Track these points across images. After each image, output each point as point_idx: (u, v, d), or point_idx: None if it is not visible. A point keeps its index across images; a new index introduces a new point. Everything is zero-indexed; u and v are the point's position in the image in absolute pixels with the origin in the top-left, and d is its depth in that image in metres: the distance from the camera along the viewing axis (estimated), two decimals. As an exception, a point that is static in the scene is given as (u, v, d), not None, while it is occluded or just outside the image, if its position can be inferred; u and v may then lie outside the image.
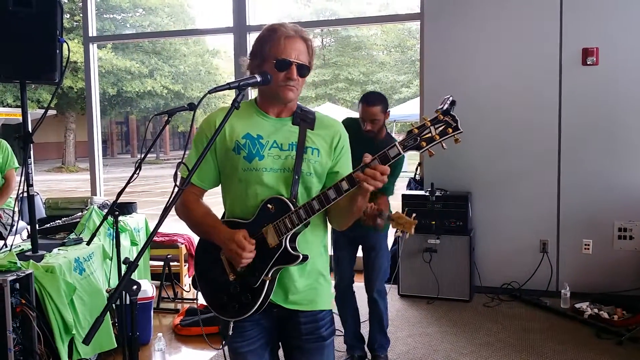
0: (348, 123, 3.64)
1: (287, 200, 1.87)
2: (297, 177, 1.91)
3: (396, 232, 2.60)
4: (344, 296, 3.77)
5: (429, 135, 1.74)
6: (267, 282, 1.88)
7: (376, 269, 3.72)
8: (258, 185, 1.91)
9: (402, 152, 1.74)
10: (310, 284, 1.99)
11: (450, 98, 1.80)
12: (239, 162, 1.91)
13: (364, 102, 3.56)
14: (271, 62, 1.89)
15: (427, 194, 5.04)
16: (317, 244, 2.02)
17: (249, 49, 6.75)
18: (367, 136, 3.53)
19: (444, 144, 1.76)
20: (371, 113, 3.50)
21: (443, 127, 1.74)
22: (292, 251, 1.87)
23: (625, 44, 4.87)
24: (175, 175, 1.77)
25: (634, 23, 4.84)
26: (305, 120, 1.99)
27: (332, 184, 1.82)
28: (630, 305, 4.54)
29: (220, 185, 2.05)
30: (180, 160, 1.80)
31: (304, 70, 1.93)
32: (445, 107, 1.76)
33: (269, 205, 1.88)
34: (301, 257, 1.87)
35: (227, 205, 2.02)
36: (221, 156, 1.95)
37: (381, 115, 3.54)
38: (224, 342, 2.03)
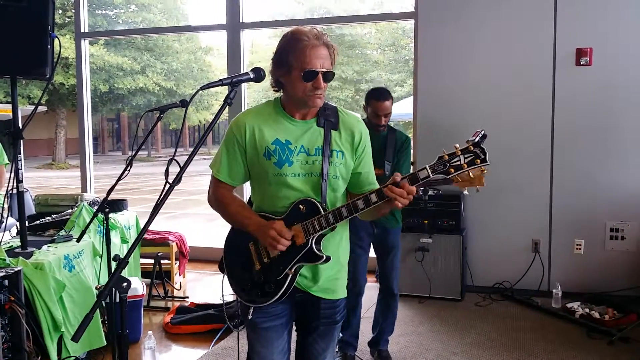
0: None
1: (318, 204, 2.01)
2: (325, 181, 2.04)
3: (463, 191, 2.71)
4: (356, 302, 3.76)
5: (458, 163, 1.91)
6: (290, 275, 2.04)
7: (395, 268, 3.81)
8: (288, 189, 2.04)
9: (431, 175, 1.90)
10: (334, 275, 2.17)
11: (483, 132, 2.04)
12: (270, 167, 2.03)
13: (377, 98, 3.64)
14: (298, 72, 1.97)
15: (420, 193, 5.02)
16: (342, 237, 2.19)
17: (242, 46, 6.69)
18: (375, 135, 3.54)
19: (471, 173, 1.94)
20: (385, 107, 3.62)
21: (472, 157, 1.92)
22: (317, 251, 2.02)
23: (618, 44, 4.88)
24: (167, 172, 1.76)
25: (627, 23, 4.86)
26: (329, 120, 2.09)
27: (362, 195, 1.96)
28: (621, 305, 4.55)
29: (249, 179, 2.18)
30: (171, 157, 1.78)
31: (329, 76, 2.01)
32: (477, 140, 1.94)
33: (300, 206, 2.02)
34: (324, 257, 2.02)
35: (257, 199, 2.15)
36: (251, 159, 2.07)
37: (392, 108, 3.68)
38: (241, 324, 2.19)
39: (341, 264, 2.20)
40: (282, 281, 2.04)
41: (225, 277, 2.20)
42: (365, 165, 2.16)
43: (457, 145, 1.92)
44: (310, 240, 2.00)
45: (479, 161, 1.92)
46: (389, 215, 3.67)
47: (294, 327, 2.28)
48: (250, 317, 2.10)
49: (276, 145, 2.03)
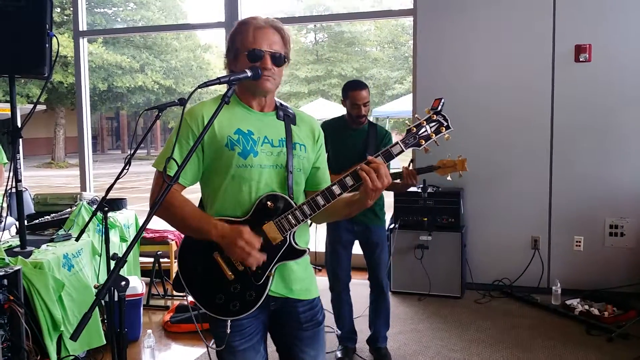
0: (330, 123, 3.79)
1: (287, 197, 1.90)
2: (290, 173, 1.92)
3: (447, 177, 3.04)
4: (342, 296, 3.82)
5: (426, 133, 1.93)
6: (271, 277, 1.90)
7: (382, 264, 3.83)
8: (253, 182, 1.89)
9: (404, 149, 1.90)
10: (306, 273, 2.03)
11: (442, 100, 2.03)
12: (233, 158, 1.87)
13: (354, 88, 3.67)
14: (244, 55, 1.89)
15: (419, 190, 5.03)
16: (307, 234, 2.06)
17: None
18: (352, 130, 3.70)
19: (437, 141, 1.95)
20: (363, 96, 3.63)
21: (437, 125, 1.95)
22: (297, 247, 1.91)
23: (617, 40, 4.88)
24: (165, 170, 1.75)
25: (626, 20, 4.85)
26: (287, 115, 2.00)
27: (336, 180, 1.87)
28: (620, 302, 4.56)
29: (199, 182, 1.98)
30: (169, 156, 1.77)
31: (279, 60, 1.91)
32: (439, 108, 1.98)
33: (268, 203, 1.88)
34: (307, 251, 1.93)
35: (214, 203, 1.93)
36: (210, 153, 1.89)
37: (369, 98, 3.69)
38: (214, 344, 2.00)
39: (308, 261, 2.06)
40: (263, 285, 1.89)
41: (189, 295, 1.93)
42: (323, 162, 2.10)
43: (418, 117, 1.95)
44: (288, 236, 1.88)
45: (443, 129, 1.96)
46: (369, 213, 3.67)
47: (272, 344, 2.12)
48: (228, 331, 1.90)
49: (239, 135, 1.89)
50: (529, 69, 5.09)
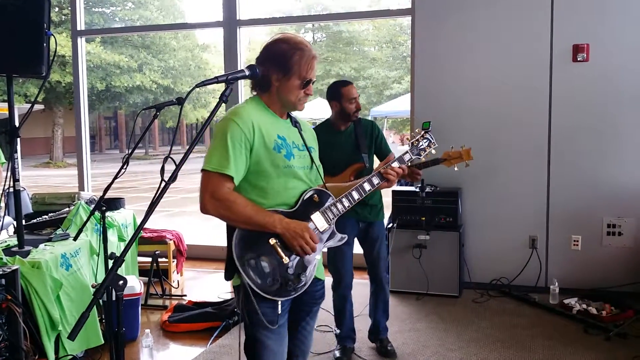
0: (320, 127, 3.85)
1: (328, 192, 2.23)
2: (317, 172, 2.29)
3: (455, 168, 3.30)
4: (346, 295, 3.84)
5: (423, 147, 2.55)
6: (316, 261, 2.20)
7: (382, 258, 3.88)
8: (296, 180, 2.17)
9: (412, 157, 2.51)
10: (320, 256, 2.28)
11: (430, 122, 2.79)
12: (281, 160, 2.11)
13: (344, 85, 3.77)
14: (297, 79, 2.13)
15: (417, 189, 5.03)
16: None
17: (239, 43, 6.67)
18: (340, 132, 3.77)
19: (428, 155, 2.60)
20: (354, 91, 3.73)
21: (428, 142, 2.57)
22: (338, 234, 2.25)
23: (615, 40, 4.88)
24: (162, 170, 1.76)
25: (624, 19, 4.86)
26: (297, 122, 2.27)
27: (365, 178, 2.31)
28: (618, 301, 4.56)
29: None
30: (167, 155, 1.77)
31: None
32: (429, 128, 2.65)
33: (314, 196, 2.19)
34: (346, 237, 2.27)
35: (266, 198, 2.12)
36: (260, 154, 2.07)
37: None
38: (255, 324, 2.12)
39: None
40: (313, 267, 2.18)
41: (247, 280, 2.04)
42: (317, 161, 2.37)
43: (417, 131, 2.60)
44: (332, 225, 2.20)
45: (432, 144, 2.57)
46: (372, 209, 3.78)
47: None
48: (279, 312, 2.10)
49: (281, 140, 2.13)
50: (526, 68, 5.09)
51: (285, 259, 2.08)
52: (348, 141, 3.74)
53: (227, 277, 2.12)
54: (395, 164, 2.39)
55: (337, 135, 3.75)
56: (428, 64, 5.35)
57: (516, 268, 5.19)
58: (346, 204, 2.23)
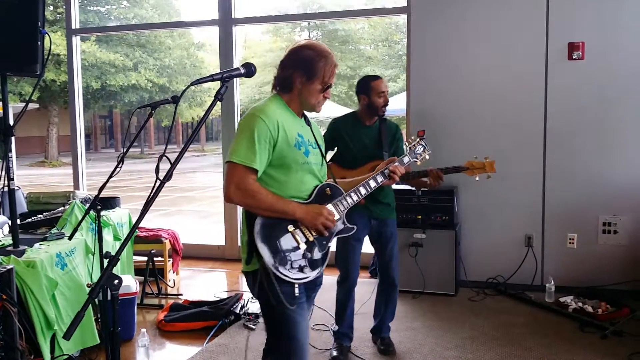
0: (344, 120, 3.90)
1: (339, 187, 2.45)
2: (328, 168, 2.53)
3: (476, 178, 3.50)
4: (351, 292, 3.85)
5: (419, 151, 2.94)
6: (330, 247, 2.40)
7: (394, 257, 3.89)
8: (311, 175, 2.37)
9: (411, 160, 2.90)
10: None
11: (425, 130, 3.14)
12: (300, 156, 2.31)
13: (375, 79, 3.82)
14: (319, 83, 2.33)
15: (413, 188, 5.03)
16: None
17: (235, 41, 6.64)
18: (366, 127, 3.80)
19: (424, 159, 2.99)
20: (385, 85, 3.78)
21: (423, 147, 2.97)
22: (348, 224, 2.47)
23: (611, 38, 4.89)
24: (157, 168, 1.75)
25: (619, 18, 4.86)
26: (308, 121, 2.48)
27: (369, 176, 2.55)
28: (614, 299, 4.58)
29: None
30: (161, 153, 1.76)
31: None
32: (424, 136, 3.02)
33: (327, 189, 2.39)
34: (355, 227, 2.48)
35: (286, 189, 2.31)
36: (283, 150, 2.26)
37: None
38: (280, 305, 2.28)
39: None
40: (326, 253, 2.37)
41: (272, 268, 2.22)
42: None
43: (413, 139, 2.96)
44: (342, 216, 2.42)
45: (426, 150, 2.96)
46: (386, 207, 3.79)
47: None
48: (297, 293, 2.26)
49: (300, 138, 2.33)
50: (522, 66, 5.10)
51: (302, 245, 2.29)
52: (372, 137, 3.78)
53: (248, 262, 2.30)
54: (397, 165, 2.64)
55: (363, 129, 3.79)
56: (423, 63, 5.35)
57: (512, 266, 5.19)
58: (355, 198, 2.46)
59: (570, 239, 5.08)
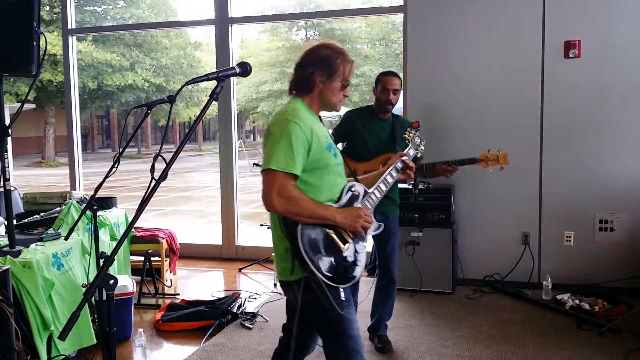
0: (359, 111, 3.98)
1: (363, 185, 2.45)
2: (348, 167, 2.55)
3: (490, 169, 3.55)
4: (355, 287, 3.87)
5: (417, 142, 2.94)
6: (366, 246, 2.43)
7: (395, 252, 3.92)
8: (339, 177, 2.39)
9: (415, 152, 2.89)
10: None
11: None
12: (331, 158, 2.33)
13: (386, 74, 3.86)
14: (339, 81, 2.35)
15: (410, 187, 5.02)
16: None
17: (231, 41, 6.64)
18: (381, 120, 3.87)
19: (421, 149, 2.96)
20: (394, 83, 3.80)
21: (420, 138, 2.96)
22: (377, 222, 2.45)
23: (607, 36, 4.90)
24: (152, 168, 1.75)
25: (615, 16, 4.87)
26: (322, 120, 2.47)
27: (387, 171, 2.55)
28: (611, 297, 4.58)
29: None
30: (157, 153, 1.76)
31: None
32: (419, 127, 3.14)
33: (354, 189, 2.39)
34: (383, 225, 2.48)
35: (322, 193, 2.31)
36: (316, 154, 2.26)
37: (400, 87, 3.86)
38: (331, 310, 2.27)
39: None
40: (363, 253, 2.40)
41: (319, 273, 2.21)
42: None
43: (409, 131, 2.96)
44: (371, 213, 2.42)
45: (423, 140, 2.95)
46: (390, 202, 3.80)
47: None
48: (343, 297, 2.25)
49: (328, 140, 2.35)
50: (518, 65, 5.10)
51: (344, 248, 2.29)
52: (386, 131, 3.85)
53: (292, 271, 2.25)
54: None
55: (378, 122, 3.86)
56: (420, 61, 5.35)
57: (509, 264, 5.20)
58: (378, 195, 2.48)
59: (567, 236, 5.09)
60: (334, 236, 2.27)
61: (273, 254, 2.51)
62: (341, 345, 2.33)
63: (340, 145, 3.85)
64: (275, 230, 2.34)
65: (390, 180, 2.55)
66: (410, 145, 2.86)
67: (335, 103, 2.39)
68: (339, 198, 2.36)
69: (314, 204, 2.23)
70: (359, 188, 2.43)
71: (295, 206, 2.17)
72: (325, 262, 2.24)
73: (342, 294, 2.27)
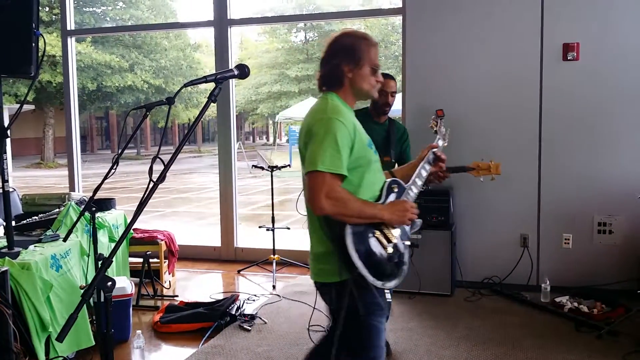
0: (358, 114, 3.84)
1: (401, 180, 2.38)
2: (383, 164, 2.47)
3: (480, 179, 3.37)
4: None
5: (443, 131, 2.77)
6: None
7: None
8: (380, 173, 2.34)
9: (444, 142, 2.71)
10: None
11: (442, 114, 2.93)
12: (372, 155, 2.28)
13: (385, 78, 3.81)
14: (367, 66, 2.27)
15: (422, 188, 5.02)
16: None
17: (230, 42, 6.65)
18: (376, 124, 3.93)
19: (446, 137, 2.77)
20: (391, 85, 3.87)
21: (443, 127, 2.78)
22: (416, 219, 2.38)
23: (605, 39, 4.90)
24: (151, 170, 1.75)
25: (614, 18, 4.88)
26: None
27: (421, 165, 2.47)
28: (609, 299, 4.58)
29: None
30: (155, 155, 1.76)
31: None
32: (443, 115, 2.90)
33: (394, 186, 2.33)
34: (421, 222, 2.43)
35: (367, 190, 2.25)
36: (358, 151, 2.19)
37: (396, 89, 3.90)
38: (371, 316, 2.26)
39: None
40: (407, 253, 2.35)
41: (370, 276, 2.15)
42: None
43: (433, 119, 2.85)
44: None
45: (447, 129, 2.77)
46: None
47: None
48: (389, 300, 2.25)
49: (368, 137, 2.30)
50: (517, 67, 5.11)
51: (390, 249, 2.23)
52: (381, 134, 3.90)
53: (340, 273, 2.17)
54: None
55: (373, 125, 3.89)
56: (419, 63, 5.36)
57: (508, 267, 5.20)
58: (415, 190, 2.40)
59: (565, 239, 5.09)
60: (380, 236, 2.22)
61: (310, 254, 2.39)
62: (365, 355, 2.27)
63: None
64: (315, 232, 2.27)
65: (424, 174, 2.46)
66: (438, 135, 2.73)
67: (368, 90, 2.31)
68: (379, 196, 2.29)
69: (362, 204, 2.17)
70: (399, 185, 2.36)
71: (344, 207, 2.11)
72: (372, 262, 2.17)
73: (388, 296, 2.25)
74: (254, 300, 5.03)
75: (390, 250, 2.23)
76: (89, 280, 3.99)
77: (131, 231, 1.69)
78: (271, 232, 5.96)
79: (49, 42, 17.53)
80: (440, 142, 2.68)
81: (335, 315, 2.27)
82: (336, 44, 2.28)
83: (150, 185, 1.68)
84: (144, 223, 6.41)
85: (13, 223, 3.83)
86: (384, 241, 2.21)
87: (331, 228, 2.17)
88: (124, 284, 4.11)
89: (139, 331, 3.91)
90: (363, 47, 2.26)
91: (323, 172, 2.08)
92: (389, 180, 2.34)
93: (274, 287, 5.42)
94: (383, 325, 2.30)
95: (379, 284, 2.17)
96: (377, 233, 2.20)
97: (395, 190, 2.33)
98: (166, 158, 1.84)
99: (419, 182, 2.43)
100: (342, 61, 2.25)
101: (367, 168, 2.23)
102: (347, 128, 2.14)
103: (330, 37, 2.33)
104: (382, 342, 2.30)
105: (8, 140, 3.53)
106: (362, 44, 2.27)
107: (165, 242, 5.58)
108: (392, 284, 2.26)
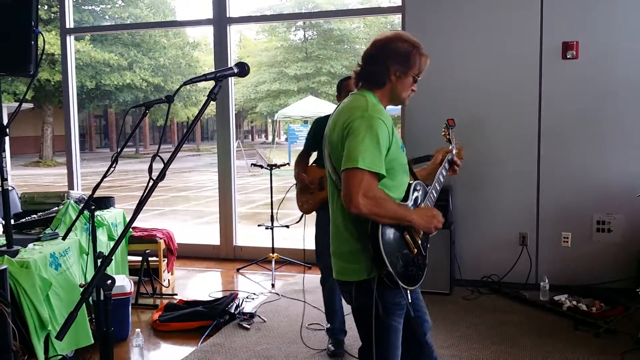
0: (324, 120, 3.79)
1: (423, 183, 2.39)
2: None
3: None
4: (335, 289, 3.82)
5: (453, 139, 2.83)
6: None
7: None
8: (406, 175, 2.32)
9: (455, 149, 2.76)
10: None
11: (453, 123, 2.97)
12: (404, 157, 2.28)
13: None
14: (411, 75, 2.29)
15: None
16: None
17: (229, 41, 6.64)
18: None
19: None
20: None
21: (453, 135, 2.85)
22: None
23: (604, 37, 4.90)
24: (150, 168, 1.75)
25: (613, 17, 4.88)
26: None
27: (439, 170, 2.50)
28: (608, 298, 4.59)
29: None
30: (154, 153, 1.76)
31: None
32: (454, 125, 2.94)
33: (418, 189, 2.33)
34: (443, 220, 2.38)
35: (397, 191, 2.24)
36: (393, 153, 2.17)
37: None
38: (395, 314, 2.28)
39: None
40: (426, 256, 2.37)
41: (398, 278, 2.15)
42: None
43: (445, 129, 2.86)
44: None
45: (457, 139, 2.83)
46: None
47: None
48: (409, 300, 2.24)
49: (401, 141, 2.29)
50: (516, 66, 5.11)
51: (415, 250, 2.25)
52: None
53: (368, 271, 2.17)
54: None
55: None
56: (418, 62, 5.35)
57: (506, 265, 5.20)
58: (435, 194, 2.41)
59: (564, 237, 5.10)
60: (408, 237, 2.22)
61: (335, 251, 2.37)
62: (382, 354, 2.27)
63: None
64: (338, 231, 2.27)
65: (442, 179, 2.49)
66: (451, 144, 2.79)
67: (404, 98, 2.31)
68: (405, 197, 2.27)
69: (396, 205, 2.16)
70: (422, 188, 2.37)
71: (379, 207, 2.08)
72: (400, 263, 2.17)
73: (410, 297, 2.25)
74: (253, 299, 5.03)
75: (415, 252, 2.25)
76: (88, 279, 3.99)
77: (130, 229, 1.70)
78: (270, 230, 5.97)
79: (48, 41, 17.49)
80: (455, 150, 2.73)
81: (356, 314, 2.30)
82: (390, 47, 2.25)
83: (150, 184, 1.68)
84: (143, 221, 6.42)
85: (12, 221, 3.83)
86: (412, 243, 2.23)
87: (362, 226, 2.15)
88: (123, 283, 4.11)
89: (138, 330, 3.91)
90: (416, 55, 2.28)
91: (363, 169, 2.04)
92: (414, 182, 2.34)
93: (273, 285, 5.42)
94: (399, 325, 2.31)
95: (403, 284, 2.17)
96: (406, 234, 2.21)
97: (419, 190, 2.35)
98: (165, 156, 1.83)
99: (438, 187, 2.45)
100: (392, 65, 2.23)
101: (399, 170, 2.23)
102: (387, 128, 2.13)
103: (383, 36, 2.30)
104: (398, 342, 2.31)
105: (7, 139, 3.52)
106: (417, 52, 2.28)
107: (165, 240, 5.58)
108: (414, 285, 2.27)
